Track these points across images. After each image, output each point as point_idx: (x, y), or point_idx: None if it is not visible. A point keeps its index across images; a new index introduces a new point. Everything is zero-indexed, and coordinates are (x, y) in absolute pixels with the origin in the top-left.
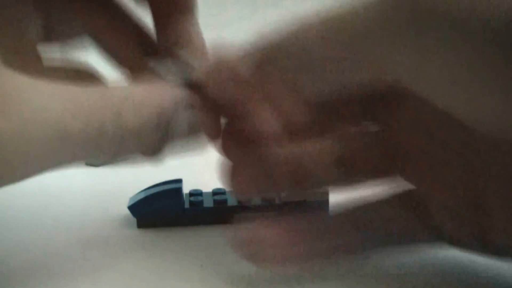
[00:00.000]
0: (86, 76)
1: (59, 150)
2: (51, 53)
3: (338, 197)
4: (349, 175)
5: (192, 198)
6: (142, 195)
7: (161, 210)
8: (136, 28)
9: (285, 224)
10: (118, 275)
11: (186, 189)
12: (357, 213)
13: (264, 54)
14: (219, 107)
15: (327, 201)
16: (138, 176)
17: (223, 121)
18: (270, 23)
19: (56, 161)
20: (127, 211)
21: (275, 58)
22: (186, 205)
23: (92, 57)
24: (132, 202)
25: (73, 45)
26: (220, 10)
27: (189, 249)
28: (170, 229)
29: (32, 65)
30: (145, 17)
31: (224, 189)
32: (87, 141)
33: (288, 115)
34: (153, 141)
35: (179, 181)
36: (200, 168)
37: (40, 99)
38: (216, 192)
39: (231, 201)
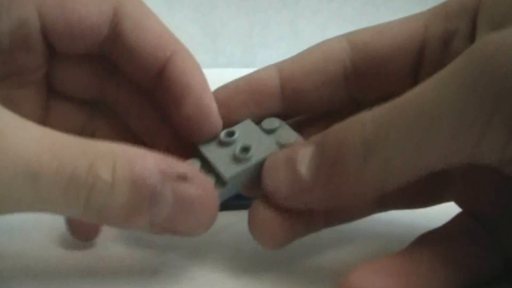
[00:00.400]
0: None
1: (30, 191)
2: None
3: None
4: (392, 202)
5: None
6: None
7: None
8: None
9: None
10: (108, 268)
11: None
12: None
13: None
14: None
15: None
16: None
17: None
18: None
19: (26, 203)
20: None
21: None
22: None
23: None
24: None
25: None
26: (213, 9)
27: (177, 238)
28: None
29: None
30: None
31: None
32: (59, 184)
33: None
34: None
35: None
36: None
37: (15, 135)
38: None
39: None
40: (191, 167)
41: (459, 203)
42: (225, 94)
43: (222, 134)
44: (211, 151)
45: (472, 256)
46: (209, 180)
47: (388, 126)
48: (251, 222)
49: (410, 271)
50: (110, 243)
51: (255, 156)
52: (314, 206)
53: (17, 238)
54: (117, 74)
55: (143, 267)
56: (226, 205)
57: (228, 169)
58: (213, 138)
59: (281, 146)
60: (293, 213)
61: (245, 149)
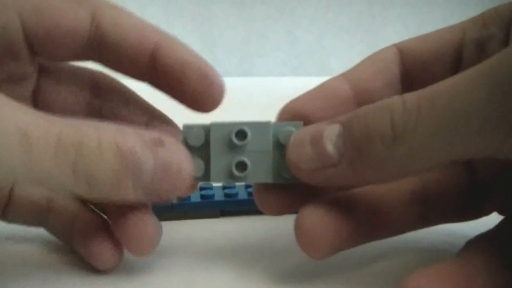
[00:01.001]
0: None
1: (22, 152)
2: None
3: None
4: (429, 216)
5: None
6: None
7: None
8: None
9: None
10: (107, 274)
11: None
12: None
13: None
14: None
15: None
16: None
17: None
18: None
19: (19, 167)
20: None
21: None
22: (173, 200)
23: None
24: None
25: None
26: (208, 8)
27: (176, 244)
28: None
29: None
30: None
31: (211, 184)
32: (49, 143)
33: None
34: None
35: None
36: None
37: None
38: (203, 187)
39: (218, 195)
40: (165, 134)
41: (501, 212)
42: (301, 102)
43: (235, 132)
44: (217, 144)
45: None
46: (199, 163)
47: (417, 115)
48: (298, 230)
49: (466, 275)
50: None
51: (249, 177)
52: (337, 182)
53: (17, 239)
54: (106, 88)
55: (140, 272)
56: (226, 212)
57: (218, 174)
58: (228, 123)
59: (279, 175)
60: (340, 222)
61: (242, 166)
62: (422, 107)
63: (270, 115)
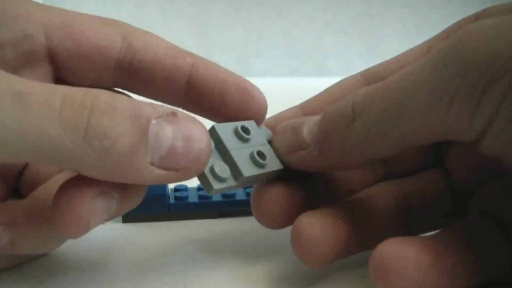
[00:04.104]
0: None
1: (16, 111)
2: None
3: None
4: (414, 224)
5: (177, 193)
6: None
7: (147, 205)
8: None
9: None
10: (103, 269)
11: (171, 184)
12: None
13: (332, 120)
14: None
15: None
16: None
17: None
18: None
19: (14, 127)
20: None
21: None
22: (171, 200)
23: None
24: None
25: None
26: (205, 8)
27: (174, 244)
28: (155, 224)
29: None
30: None
31: None
32: (51, 105)
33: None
34: None
35: None
36: None
37: None
38: (201, 188)
39: (216, 196)
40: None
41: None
42: (313, 104)
43: (239, 127)
44: (229, 141)
45: (495, 247)
46: (225, 169)
47: (373, 97)
48: (296, 238)
49: (440, 249)
50: (108, 247)
51: (269, 164)
52: (308, 165)
53: None
54: None
55: (138, 270)
56: (224, 212)
57: (247, 167)
58: (224, 123)
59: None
60: (336, 230)
61: (261, 155)
62: (379, 90)
63: (268, 115)
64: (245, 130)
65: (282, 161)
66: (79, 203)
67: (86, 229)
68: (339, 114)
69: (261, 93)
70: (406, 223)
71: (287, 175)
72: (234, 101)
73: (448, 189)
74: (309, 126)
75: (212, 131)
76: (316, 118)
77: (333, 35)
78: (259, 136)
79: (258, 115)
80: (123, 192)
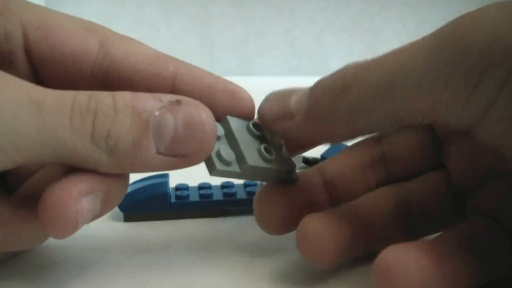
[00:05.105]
0: None
1: (36, 121)
2: None
3: None
4: (415, 227)
5: (178, 192)
6: (129, 189)
7: (148, 204)
8: None
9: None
10: (104, 268)
11: (172, 183)
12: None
13: (324, 96)
14: None
15: None
16: None
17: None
18: (256, 19)
19: (34, 136)
20: None
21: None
22: (173, 199)
23: None
24: None
25: None
26: (207, 8)
27: (175, 243)
28: (157, 223)
29: None
30: None
31: (209, 184)
32: (63, 111)
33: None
34: None
35: (165, 175)
36: None
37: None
38: (202, 187)
39: (217, 195)
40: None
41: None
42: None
43: (251, 124)
44: (239, 132)
45: (495, 249)
46: (231, 154)
47: (366, 70)
48: (302, 238)
49: (442, 252)
50: (110, 246)
51: (275, 162)
52: (293, 134)
53: None
54: None
55: (139, 269)
56: (225, 211)
57: (252, 158)
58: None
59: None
60: (341, 231)
61: (269, 151)
62: (372, 66)
63: None
64: (257, 127)
65: (264, 125)
66: (66, 204)
67: (74, 230)
68: (330, 85)
69: (248, 94)
70: (408, 225)
71: (291, 180)
72: (222, 106)
73: (449, 191)
74: (297, 95)
75: (224, 121)
76: (305, 88)
77: (334, 34)
78: (270, 137)
79: (247, 116)
80: (106, 192)
